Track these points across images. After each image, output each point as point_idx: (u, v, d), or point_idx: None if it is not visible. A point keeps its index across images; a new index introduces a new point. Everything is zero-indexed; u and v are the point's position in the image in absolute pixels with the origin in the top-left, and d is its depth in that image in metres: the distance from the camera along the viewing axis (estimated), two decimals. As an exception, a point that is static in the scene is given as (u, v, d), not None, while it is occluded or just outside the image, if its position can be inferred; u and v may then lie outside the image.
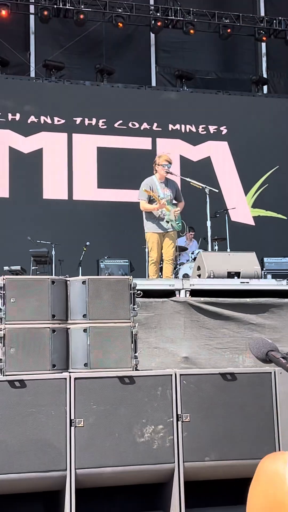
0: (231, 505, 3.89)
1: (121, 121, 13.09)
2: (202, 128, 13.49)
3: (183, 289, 5.83)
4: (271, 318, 5.71)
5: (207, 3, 13.67)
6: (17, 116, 12.65)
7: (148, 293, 5.38)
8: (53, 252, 10.39)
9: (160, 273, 7.87)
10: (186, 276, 8.10)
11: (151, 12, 13.59)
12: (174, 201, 7.87)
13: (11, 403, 3.54)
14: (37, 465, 3.50)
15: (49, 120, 12.80)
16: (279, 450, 3.79)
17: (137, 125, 13.18)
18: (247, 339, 5.62)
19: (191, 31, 13.39)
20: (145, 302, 5.36)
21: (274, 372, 3.88)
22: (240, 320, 5.63)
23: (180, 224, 7.88)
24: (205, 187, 8.63)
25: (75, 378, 3.64)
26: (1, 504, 3.65)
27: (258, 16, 14.23)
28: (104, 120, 13.00)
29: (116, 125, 13.05)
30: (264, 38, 14.11)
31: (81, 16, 12.87)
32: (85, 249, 10.33)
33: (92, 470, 3.57)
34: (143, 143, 13.12)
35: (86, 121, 12.96)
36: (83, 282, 3.93)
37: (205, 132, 13.48)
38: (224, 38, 13.74)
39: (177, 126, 13.38)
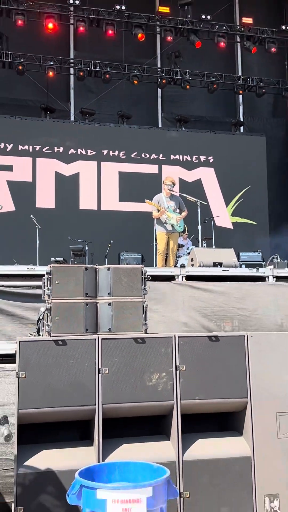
0: (214, 431, 3.90)
1: (136, 153, 13.09)
2: (195, 157, 13.47)
3: (180, 275, 5.84)
4: (245, 295, 5.72)
5: (199, 66, 13.62)
6: (61, 149, 12.70)
7: (155, 278, 5.40)
8: (86, 248, 10.43)
9: (165, 263, 7.89)
10: (183, 265, 8.09)
11: (158, 72, 13.61)
12: (177, 210, 7.91)
13: (56, 356, 3.54)
14: (74, 401, 3.51)
15: (84, 152, 12.83)
16: (250, 393, 3.77)
17: (147, 156, 13.18)
18: (232, 308, 5.61)
19: (187, 86, 13.46)
20: (153, 284, 5.38)
21: (247, 335, 3.87)
22: (223, 297, 5.64)
23: (181, 227, 7.92)
24: (197, 201, 8.66)
25: (102, 339, 3.64)
26: (48, 429, 3.68)
27: (236, 76, 14.20)
28: (124, 151, 13.02)
29: (132, 155, 13.07)
30: (241, 92, 14.12)
31: (107, 76, 12.94)
32: (109, 245, 10.35)
33: (114, 405, 3.57)
34: (152, 168, 13.13)
35: (111, 153, 12.98)
36: (108, 270, 3.92)
37: (197, 161, 13.46)
38: (211, 92, 13.73)
39: (177, 156, 13.37)
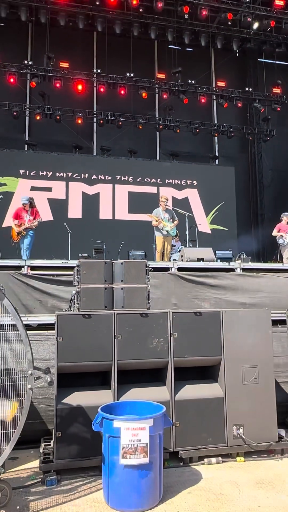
0: (198, 379, 3.92)
1: (140, 178, 13.04)
2: (183, 181, 13.41)
3: (173, 267, 5.84)
4: (220, 282, 5.71)
5: (186, 116, 13.57)
6: (86, 175, 12.66)
7: (155, 269, 5.38)
8: (105, 247, 10.37)
9: (162, 258, 7.89)
10: (175, 260, 8.09)
11: (156, 120, 13.57)
12: (171, 220, 7.89)
13: (83, 326, 3.56)
14: (97, 357, 3.54)
15: (103, 177, 12.79)
16: (223, 352, 3.79)
17: (149, 180, 13.13)
18: (209, 293, 5.60)
19: (178, 130, 13.37)
20: (154, 274, 5.37)
21: (222, 311, 3.88)
22: (204, 283, 5.64)
23: (174, 232, 7.91)
24: (185, 213, 8.63)
25: (117, 314, 3.67)
26: (78, 377, 3.70)
27: (213, 123, 14.16)
28: (132, 177, 12.97)
29: (138, 180, 13.01)
30: (216, 135, 14.03)
31: (120, 123, 12.90)
32: (121, 245, 10.34)
33: (125, 361, 3.60)
34: (152, 189, 13.07)
35: (122, 178, 12.94)
36: (121, 263, 3.94)
37: (185, 184, 13.41)
38: (195, 134, 13.66)
39: (170, 180, 13.30)
